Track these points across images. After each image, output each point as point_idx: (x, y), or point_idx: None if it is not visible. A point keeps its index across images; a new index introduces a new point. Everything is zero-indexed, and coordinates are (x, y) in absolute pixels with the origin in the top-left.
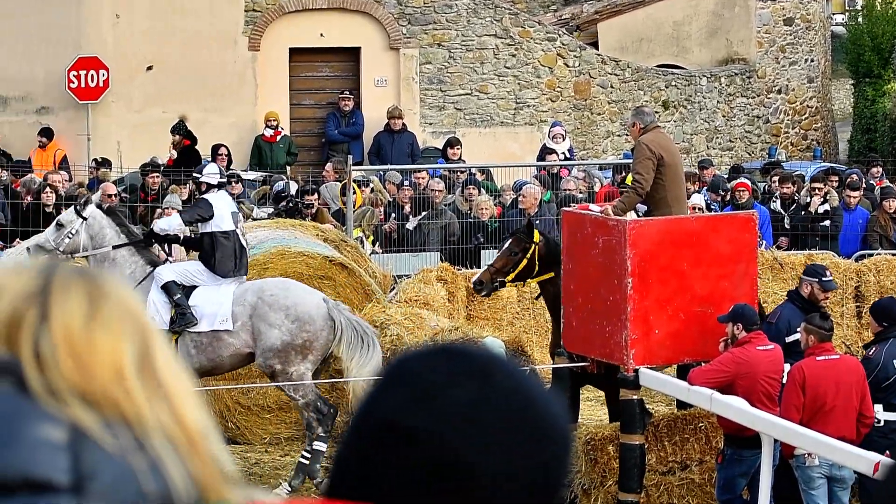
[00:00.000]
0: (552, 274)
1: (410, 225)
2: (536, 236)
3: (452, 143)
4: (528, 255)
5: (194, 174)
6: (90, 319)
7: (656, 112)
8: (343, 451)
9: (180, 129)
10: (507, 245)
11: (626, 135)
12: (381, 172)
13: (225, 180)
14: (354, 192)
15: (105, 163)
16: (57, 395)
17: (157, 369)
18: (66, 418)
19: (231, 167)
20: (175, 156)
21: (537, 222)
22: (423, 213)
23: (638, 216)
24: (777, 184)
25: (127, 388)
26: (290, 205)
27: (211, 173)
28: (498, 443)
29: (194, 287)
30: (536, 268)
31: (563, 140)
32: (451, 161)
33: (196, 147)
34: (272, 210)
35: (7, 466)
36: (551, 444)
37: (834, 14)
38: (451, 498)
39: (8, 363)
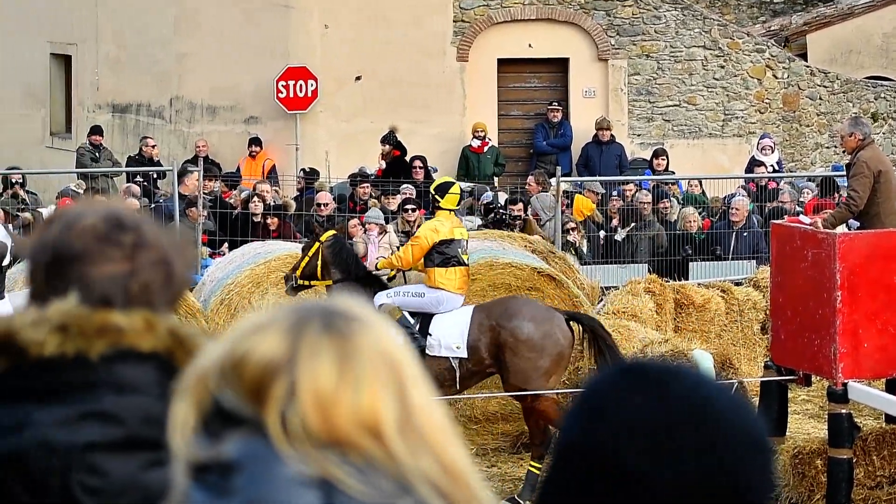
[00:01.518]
0: (329, 282)
1: (619, 236)
2: (325, 236)
3: (658, 153)
4: (310, 254)
5: None
6: (340, 382)
7: None
8: (544, 475)
9: (391, 139)
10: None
11: (835, 146)
12: (580, 184)
13: None
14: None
15: (313, 173)
16: (303, 453)
17: (416, 416)
18: (311, 467)
19: (434, 175)
20: (384, 166)
21: (745, 235)
22: (632, 225)
23: (849, 230)
24: None
25: (385, 444)
26: (498, 216)
27: None
28: (673, 453)
29: None
30: (319, 270)
31: (772, 152)
32: (657, 172)
33: (405, 158)
34: (480, 221)
35: (261, 502)
36: (730, 458)
37: None
38: None
39: (257, 421)
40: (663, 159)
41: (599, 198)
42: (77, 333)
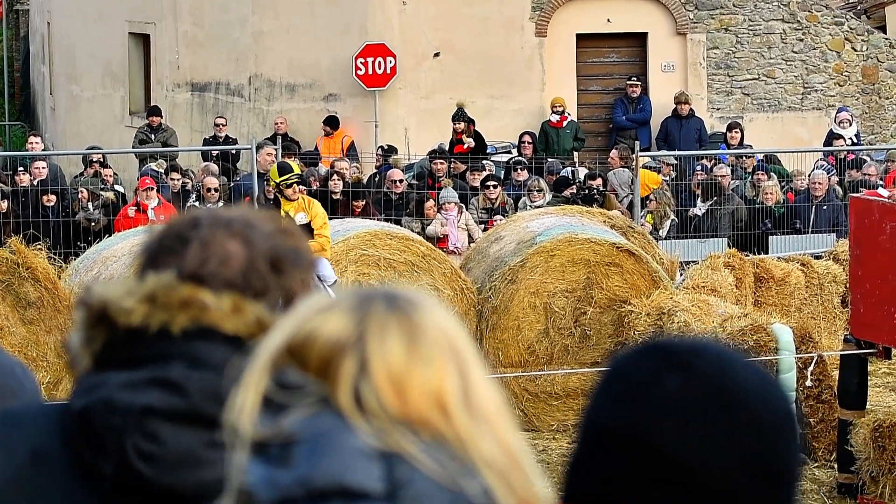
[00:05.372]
0: None
1: (699, 211)
2: None
3: (732, 126)
4: None
5: None
6: (410, 359)
7: None
8: (570, 455)
9: (462, 116)
10: None
11: None
12: (654, 158)
13: None
14: None
15: (391, 150)
16: (378, 429)
17: (476, 395)
18: (384, 442)
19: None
20: (473, 144)
21: (825, 208)
22: (714, 199)
23: None
24: None
25: (451, 421)
26: (588, 192)
27: None
28: (702, 434)
29: None
30: None
31: (850, 125)
32: (731, 146)
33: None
34: (556, 196)
35: (322, 475)
36: (761, 434)
37: None
38: (664, 492)
39: (325, 397)
40: (737, 132)
41: (672, 171)
42: (163, 305)
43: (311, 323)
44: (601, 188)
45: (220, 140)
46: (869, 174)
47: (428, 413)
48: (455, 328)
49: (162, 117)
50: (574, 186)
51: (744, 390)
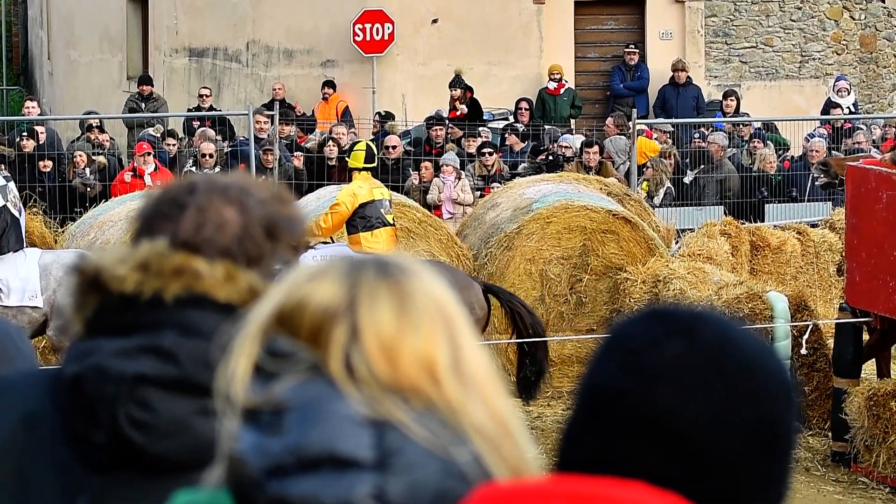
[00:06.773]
0: None
1: (687, 179)
2: None
3: (728, 94)
4: None
5: None
6: (400, 326)
7: None
8: (567, 419)
9: (459, 83)
10: None
11: None
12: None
13: None
14: None
15: (389, 116)
16: (369, 397)
17: (466, 362)
18: (375, 410)
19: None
20: (466, 111)
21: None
22: (701, 167)
23: None
24: None
25: (441, 388)
26: (546, 157)
27: None
28: (701, 400)
29: None
30: None
31: (848, 94)
32: (726, 113)
33: (477, 99)
34: (531, 163)
35: (313, 442)
36: (759, 402)
37: None
38: (661, 458)
39: (316, 364)
40: (733, 100)
41: (670, 139)
42: (156, 273)
43: (302, 290)
44: (570, 154)
45: (205, 110)
46: (859, 142)
47: (418, 380)
48: (446, 295)
49: (153, 86)
50: (544, 153)
51: (743, 358)
